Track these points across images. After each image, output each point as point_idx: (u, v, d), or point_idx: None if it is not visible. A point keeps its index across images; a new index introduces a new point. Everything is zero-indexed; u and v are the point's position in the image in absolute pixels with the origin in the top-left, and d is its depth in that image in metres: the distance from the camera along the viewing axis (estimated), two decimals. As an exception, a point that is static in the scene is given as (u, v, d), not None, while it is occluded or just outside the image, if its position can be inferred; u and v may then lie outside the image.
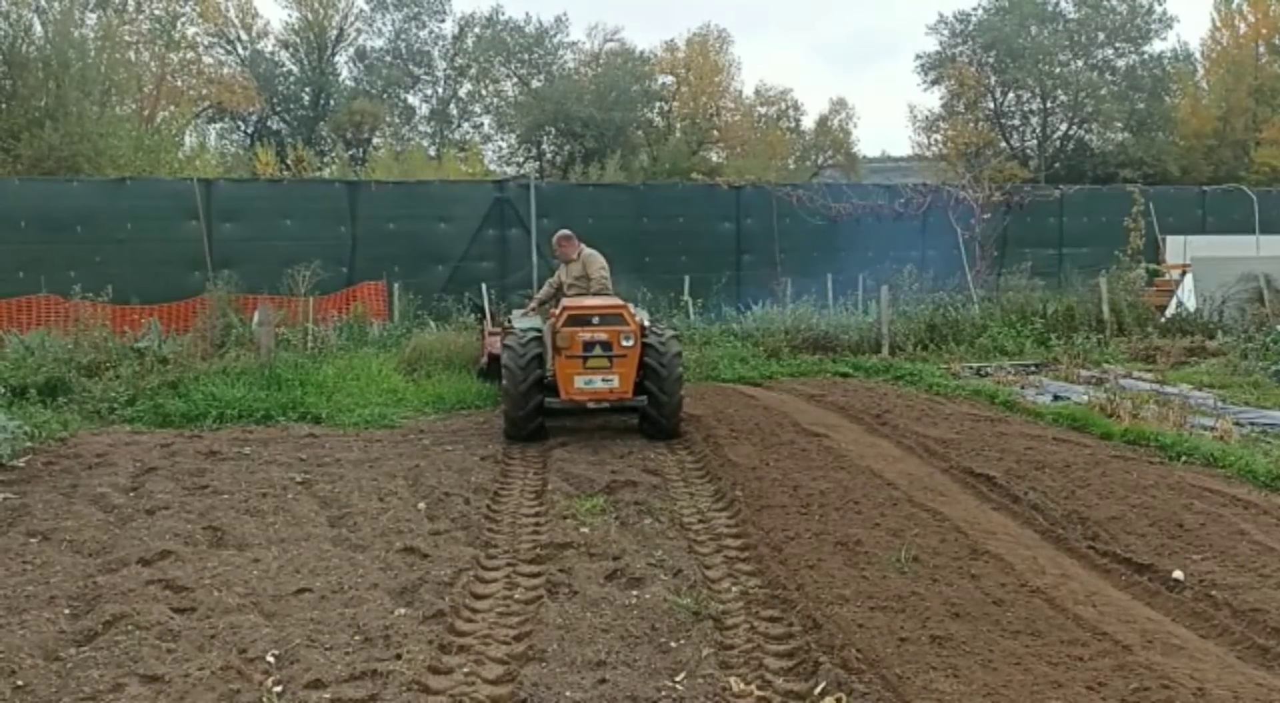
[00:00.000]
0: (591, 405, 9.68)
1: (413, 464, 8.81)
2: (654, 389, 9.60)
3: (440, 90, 44.76)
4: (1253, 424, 10.06)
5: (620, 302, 9.93)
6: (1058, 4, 43.11)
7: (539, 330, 9.91)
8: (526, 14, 58.38)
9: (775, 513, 7.19)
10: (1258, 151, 36.08)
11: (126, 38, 31.24)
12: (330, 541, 6.64)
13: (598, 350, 9.42)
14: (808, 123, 44.91)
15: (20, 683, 4.48)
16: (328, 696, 4.37)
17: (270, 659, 4.72)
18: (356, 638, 4.98)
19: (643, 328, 9.72)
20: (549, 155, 42.76)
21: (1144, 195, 21.31)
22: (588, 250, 10.93)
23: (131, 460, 8.93)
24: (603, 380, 9.46)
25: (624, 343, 9.45)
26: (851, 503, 7.41)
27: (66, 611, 5.35)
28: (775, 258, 20.26)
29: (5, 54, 23.79)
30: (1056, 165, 41.14)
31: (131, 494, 7.83)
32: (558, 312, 9.71)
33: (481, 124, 45.38)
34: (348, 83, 43.60)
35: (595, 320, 9.49)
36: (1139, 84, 42.15)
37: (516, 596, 5.65)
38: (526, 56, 44.00)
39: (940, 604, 5.37)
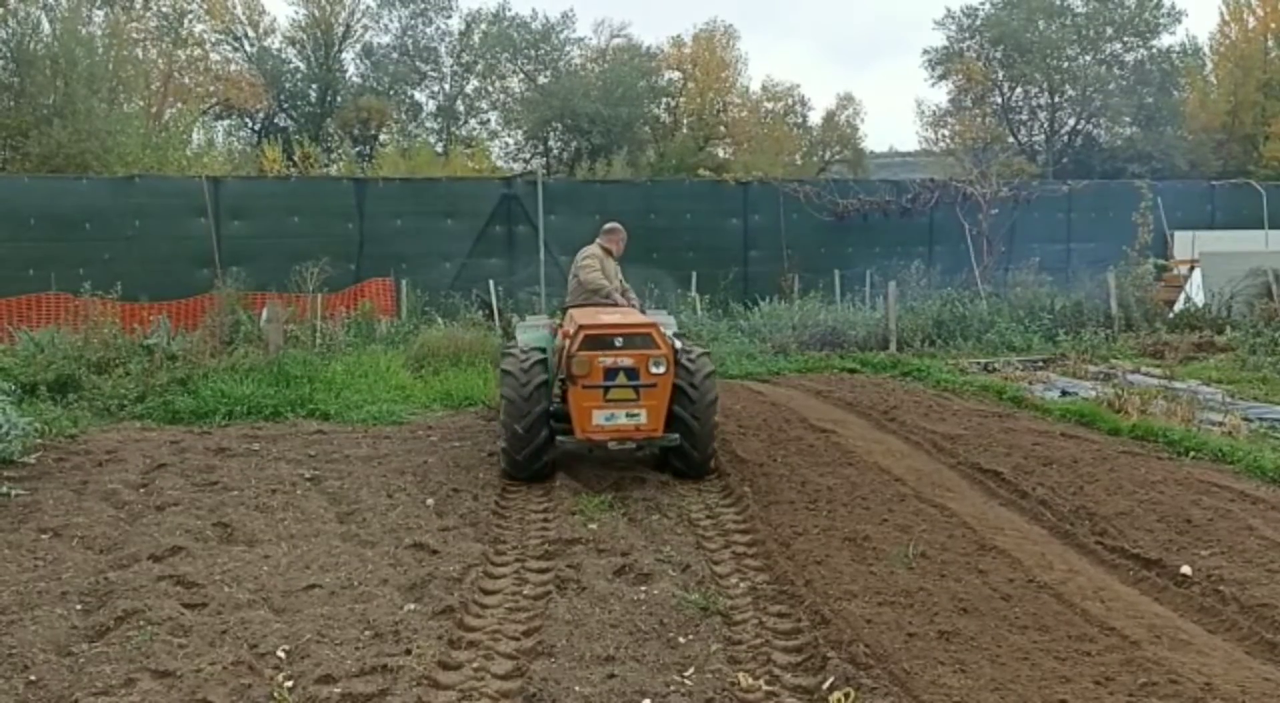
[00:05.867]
0: (614, 446, 7.95)
1: (421, 461, 8.84)
2: (684, 414, 7.96)
3: (447, 87, 44.75)
4: (1261, 420, 10.04)
5: (649, 319, 8.40)
6: (1065, -2, 42.98)
7: (544, 350, 8.41)
8: (533, 10, 58.33)
9: (783, 509, 7.21)
10: (1266, 146, 35.92)
11: (134, 35, 31.28)
12: (339, 537, 6.67)
13: (622, 378, 7.78)
14: (814, 118, 44.85)
15: (33, 678, 4.51)
16: (338, 690, 4.39)
17: (281, 655, 4.75)
18: (366, 633, 5.01)
19: (675, 351, 8.07)
20: (556, 152, 42.74)
21: (1152, 190, 21.23)
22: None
23: (141, 457, 8.97)
24: (627, 415, 7.81)
25: (653, 370, 7.77)
26: (859, 499, 7.43)
27: (78, 606, 5.39)
28: (782, 254, 20.27)
29: (13, 52, 23.88)
30: (1064, 160, 41.01)
31: (141, 491, 7.87)
32: (572, 330, 8.02)
33: (488, 120, 45.37)
34: (354, 79, 43.58)
35: (618, 342, 7.82)
36: (1147, 78, 41.99)
37: (525, 591, 5.66)
38: (533, 53, 43.93)
39: (948, 600, 5.38)
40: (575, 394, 7.83)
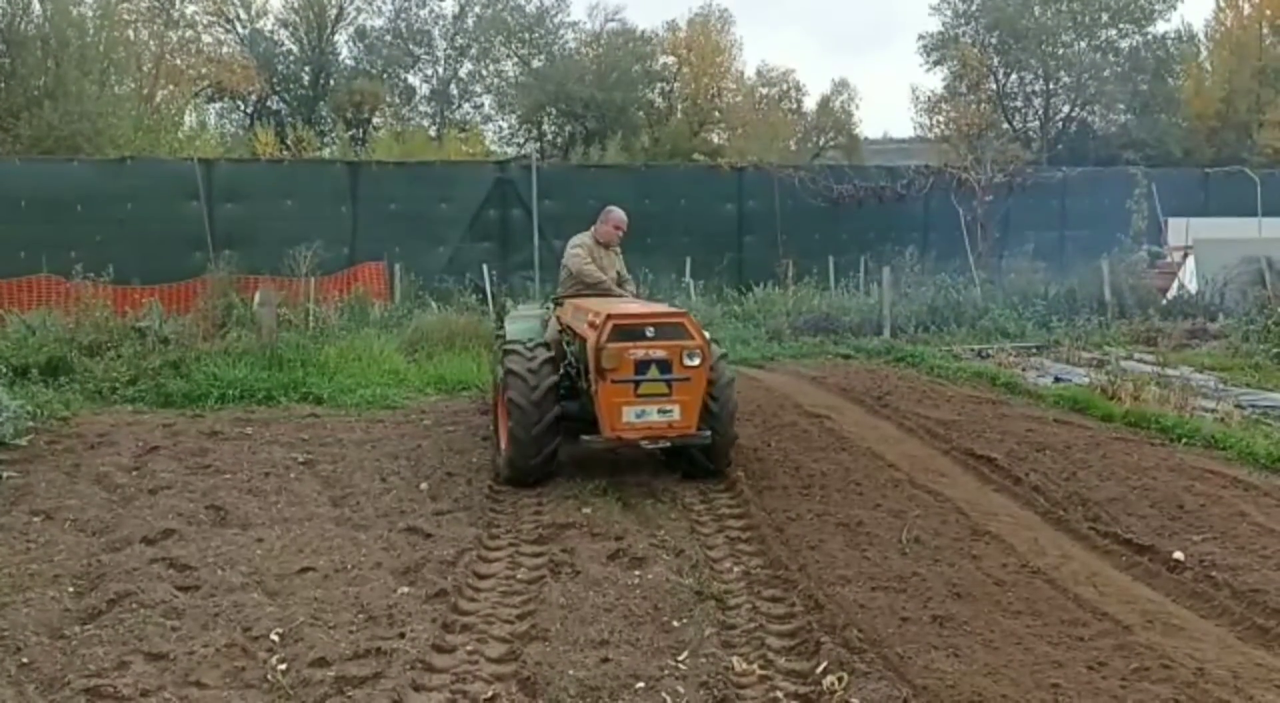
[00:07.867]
0: (646, 445, 7.34)
1: (414, 444, 8.82)
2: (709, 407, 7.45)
3: (441, 70, 44.53)
4: (1254, 406, 10.07)
5: (680, 308, 7.99)
6: (1061, -16, 42.82)
7: (547, 346, 7.89)
8: (527, -7, 57.97)
9: (777, 494, 7.22)
10: (1261, 134, 35.87)
11: (125, 16, 31.04)
12: (333, 520, 6.66)
13: (654, 372, 7.11)
14: (809, 104, 44.69)
15: (26, 661, 4.49)
16: (332, 674, 4.38)
17: (274, 638, 4.74)
18: (360, 617, 5.00)
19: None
20: (550, 136, 42.59)
21: (1146, 177, 21.23)
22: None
23: (133, 440, 8.94)
24: (659, 412, 7.14)
25: (688, 362, 7.14)
26: (853, 484, 7.44)
27: (70, 589, 5.37)
28: (777, 240, 20.23)
29: (4, 33, 23.70)
30: (1059, 147, 40.93)
31: (134, 474, 7.84)
32: (599, 321, 7.31)
33: (482, 104, 45.20)
34: (348, 62, 43.37)
35: (650, 332, 7.19)
36: (1142, 65, 41.93)
37: (519, 575, 5.66)
38: (527, 36, 43.69)
39: (942, 585, 5.39)
40: (604, 389, 7.13)
